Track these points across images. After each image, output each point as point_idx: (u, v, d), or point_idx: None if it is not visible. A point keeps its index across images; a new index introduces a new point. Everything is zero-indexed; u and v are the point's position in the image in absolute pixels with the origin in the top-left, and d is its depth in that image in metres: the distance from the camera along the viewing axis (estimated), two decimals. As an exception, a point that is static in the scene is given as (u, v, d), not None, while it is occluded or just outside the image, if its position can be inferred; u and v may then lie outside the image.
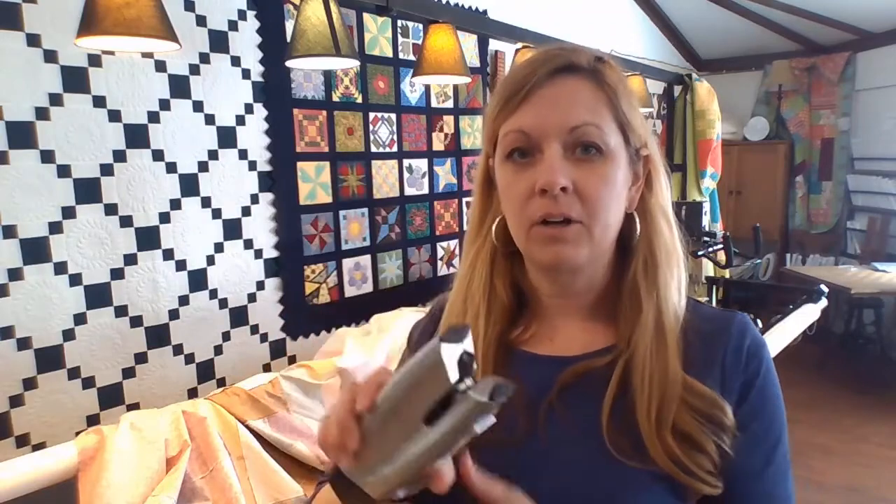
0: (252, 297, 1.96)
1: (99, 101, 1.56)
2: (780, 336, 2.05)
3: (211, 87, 1.79)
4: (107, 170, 1.59)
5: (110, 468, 1.14)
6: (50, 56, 1.47)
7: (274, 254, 2.01)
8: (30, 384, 1.49)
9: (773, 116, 4.91)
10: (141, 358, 1.69)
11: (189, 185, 1.76)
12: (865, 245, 4.47)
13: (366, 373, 1.61)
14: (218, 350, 1.87)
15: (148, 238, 1.68)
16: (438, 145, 2.58)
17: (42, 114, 1.47)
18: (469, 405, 0.45)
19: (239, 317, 1.92)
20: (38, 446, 1.48)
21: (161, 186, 1.70)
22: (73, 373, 1.56)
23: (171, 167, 1.72)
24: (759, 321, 2.11)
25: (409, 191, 2.47)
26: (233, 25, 1.83)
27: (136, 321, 1.68)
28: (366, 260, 2.32)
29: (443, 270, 2.65)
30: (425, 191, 2.55)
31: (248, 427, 1.35)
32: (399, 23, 2.35)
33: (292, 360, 2.06)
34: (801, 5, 3.89)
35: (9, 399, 1.46)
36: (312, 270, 2.13)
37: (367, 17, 2.23)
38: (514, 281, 0.68)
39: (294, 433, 1.39)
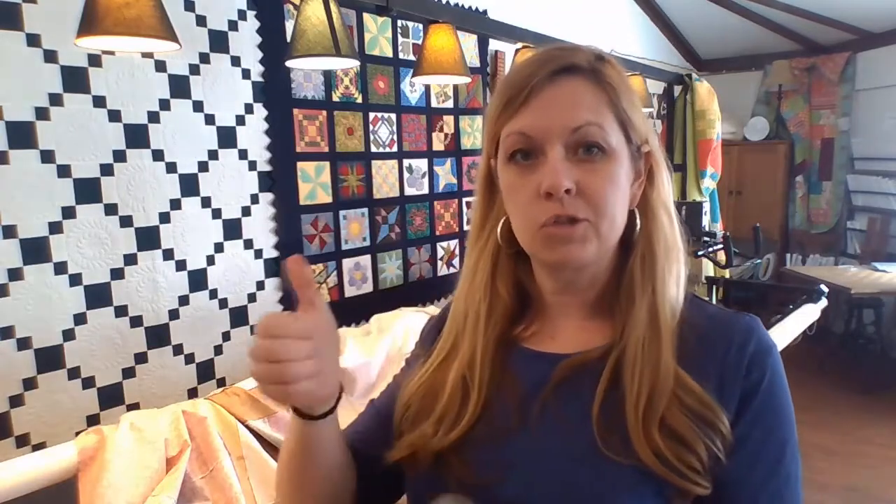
0: (252, 297, 1.96)
1: (99, 101, 1.56)
2: (780, 336, 2.06)
3: (211, 87, 1.79)
4: (107, 170, 1.59)
5: (110, 468, 1.14)
6: (50, 56, 1.47)
7: (274, 254, 2.01)
8: (30, 384, 1.49)
9: (773, 116, 4.90)
10: (141, 358, 1.69)
11: (189, 185, 1.76)
12: (865, 245, 4.47)
13: (366, 373, 1.62)
14: (218, 350, 1.87)
15: (148, 238, 1.68)
16: (438, 145, 2.58)
17: (42, 114, 1.47)
18: None
19: (239, 317, 1.92)
20: (38, 446, 1.48)
21: (161, 186, 1.70)
22: (73, 373, 1.56)
23: (171, 167, 1.72)
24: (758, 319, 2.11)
25: (409, 191, 2.47)
26: (233, 25, 1.83)
27: (136, 321, 1.68)
28: (366, 260, 2.32)
29: (443, 270, 2.65)
30: (425, 191, 2.55)
31: (248, 427, 1.35)
32: (399, 23, 2.35)
33: (292, 360, 2.05)
34: (801, 5, 3.89)
35: (9, 399, 1.45)
36: (312, 270, 2.12)
37: (367, 17, 2.23)
38: (517, 281, 0.68)
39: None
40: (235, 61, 1.85)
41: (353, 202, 2.25)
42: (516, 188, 0.61)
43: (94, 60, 1.55)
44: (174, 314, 1.76)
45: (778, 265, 4.72)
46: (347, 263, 2.25)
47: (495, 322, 0.66)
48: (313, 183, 2.11)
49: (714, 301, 3.02)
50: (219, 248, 1.86)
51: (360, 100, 2.24)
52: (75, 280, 1.55)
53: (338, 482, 0.66)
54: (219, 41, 1.80)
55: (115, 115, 1.59)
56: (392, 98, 2.36)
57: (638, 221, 0.64)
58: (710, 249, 2.93)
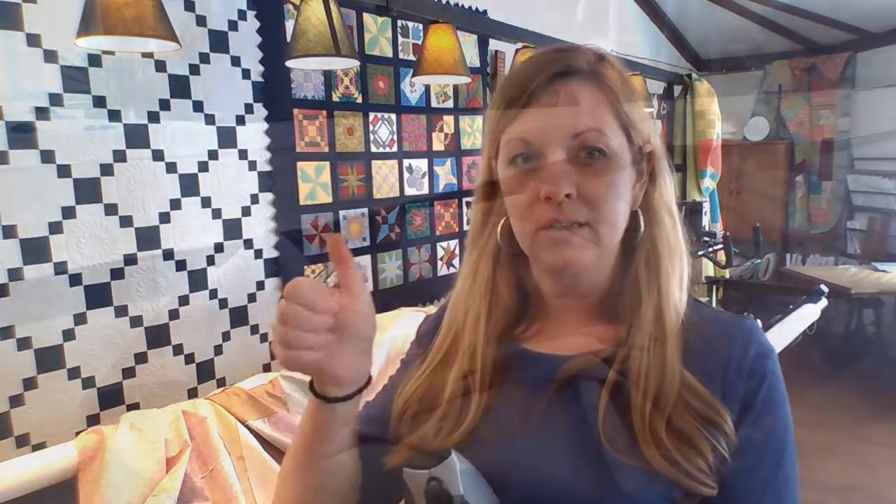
0: (252, 297, 1.96)
1: (99, 101, 1.56)
2: (780, 336, 2.06)
3: (211, 87, 1.79)
4: (107, 170, 1.59)
5: (110, 468, 1.14)
6: (50, 56, 1.47)
7: (274, 254, 2.01)
8: (30, 384, 1.49)
9: (773, 116, 4.90)
10: (141, 358, 1.69)
11: (189, 185, 1.76)
12: (865, 245, 4.47)
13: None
14: (218, 350, 1.87)
15: (148, 238, 1.68)
16: (438, 145, 2.58)
17: (42, 114, 1.47)
18: None
19: (239, 317, 1.92)
20: (38, 446, 1.48)
21: (161, 186, 1.70)
22: (73, 373, 1.56)
23: (171, 167, 1.72)
24: (758, 321, 2.11)
25: (409, 191, 2.47)
26: (233, 25, 1.83)
27: (136, 321, 1.68)
28: (366, 260, 2.32)
29: (443, 270, 2.65)
30: (425, 191, 2.55)
31: (248, 427, 1.35)
32: (399, 23, 2.35)
33: (292, 360, 2.05)
34: (801, 5, 3.89)
35: (9, 399, 1.45)
36: (312, 270, 2.13)
37: (367, 17, 2.23)
38: (518, 281, 0.68)
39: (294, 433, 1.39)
40: (235, 61, 1.85)
41: (353, 202, 2.25)
42: (517, 191, 0.61)
43: (94, 60, 1.55)
44: (174, 314, 1.75)
45: (778, 265, 4.72)
46: (347, 263, 2.25)
47: (496, 322, 0.66)
48: (313, 183, 2.11)
49: (714, 301, 3.02)
50: (219, 248, 1.86)
51: (360, 100, 2.24)
52: (75, 280, 1.55)
53: (342, 476, 0.65)
54: (219, 41, 1.80)
55: (114, 116, 1.59)
56: (392, 98, 2.36)
57: (641, 224, 0.63)
58: (710, 249, 2.94)
